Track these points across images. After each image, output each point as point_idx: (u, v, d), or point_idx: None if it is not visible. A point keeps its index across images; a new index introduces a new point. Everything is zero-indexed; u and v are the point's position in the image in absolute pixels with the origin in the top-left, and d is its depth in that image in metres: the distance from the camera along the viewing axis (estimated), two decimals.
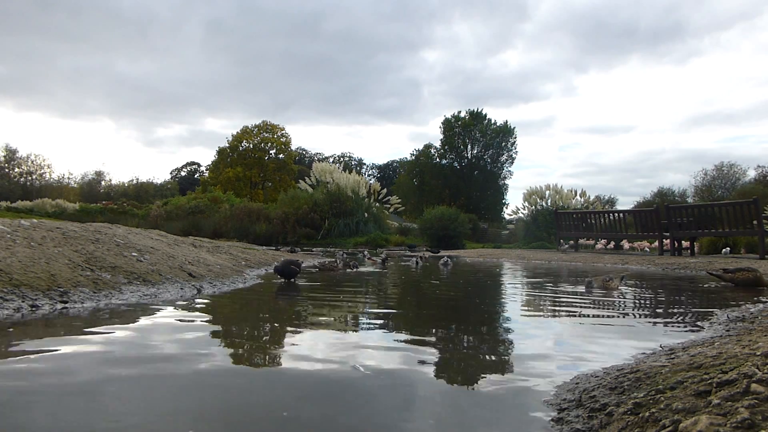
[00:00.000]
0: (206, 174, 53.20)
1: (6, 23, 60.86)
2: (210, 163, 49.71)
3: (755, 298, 4.13)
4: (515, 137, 41.81)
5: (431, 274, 6.68)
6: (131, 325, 2.58)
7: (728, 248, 11.78)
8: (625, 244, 15.05)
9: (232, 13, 77.57)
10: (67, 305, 2.88)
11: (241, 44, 77.17)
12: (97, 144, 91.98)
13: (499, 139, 41.56)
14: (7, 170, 47.36)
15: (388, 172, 65.43)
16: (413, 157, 44.80)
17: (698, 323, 2.93)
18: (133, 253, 4.20)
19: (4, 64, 65.96)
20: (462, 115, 42.11)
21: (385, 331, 2.71)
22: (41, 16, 66.18)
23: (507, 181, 43.16)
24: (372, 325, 2.91)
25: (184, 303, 3.38)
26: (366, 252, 12.34)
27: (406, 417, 1.45)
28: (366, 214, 19.20)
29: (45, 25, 66.56)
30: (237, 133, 45.78)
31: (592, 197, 20.04)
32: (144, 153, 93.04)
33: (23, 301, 2.75)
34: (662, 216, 11.64)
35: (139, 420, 1.36)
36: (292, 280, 5.01)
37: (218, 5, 78.94)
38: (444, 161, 42.64)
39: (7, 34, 62.87)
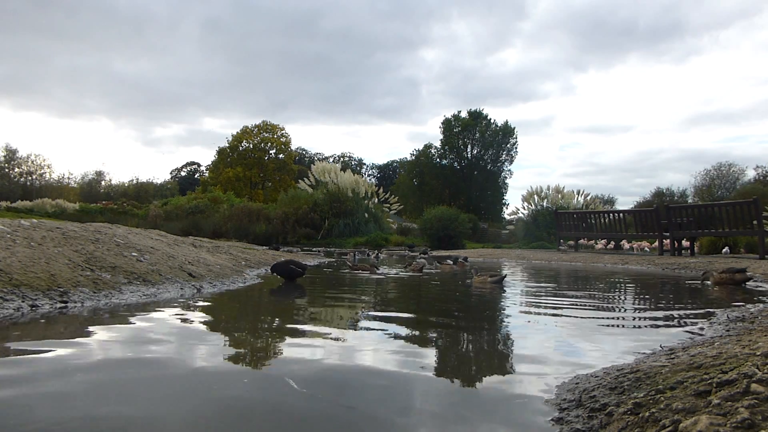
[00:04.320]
0: (206, 174, 53.18)
1: (2, 22, 60.80)
2: (210, 163, 49.74)
3: (755, 299, 4.13)
4: (516, 137, 41.84)
5: (435, 274, 6.68)
6: (131, 324, 2.58)
7: (728, 248, 11.78)
8: (625, 244, 15.05)
9: (229, 12, 77.45)
10: (67, 305, 2.88)
11: (238, 43, 77.07)
12: (96, 144, 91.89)
13: (499, 139, 41.54)
14: (7, 170, 47.34)
15: (387, 172, 65.38)
16: (413, 157, 44.80)
17: (698, 323, 2.93)
18: (133, 253, 4.20)
19: (1, 64, 65.86)
20: (462, 115, 42.12)
21: (382, 329, 2.70)
22: (38, 15, 66.08)
23: (507, 181, 43.20)
24: (369, 326, 2.90)
25: (184, 303, 3.38)
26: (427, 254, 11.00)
27: (405, 416, 1.45)
28: (366, 214, 19.20)
29: (42, 24, 66.44)
30: (237, 133, 45.79)
31: (591, 196, 20.07)
32: (143, 153, 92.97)
33: (23, 301, 2.75)
34: (662, 216, 11.63)
35: (136, 419, 1.36)
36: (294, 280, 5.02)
37: (214, 4, 78.87)
38: (444, 161, 42.62)
39: (3, 33, 62.82)
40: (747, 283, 5.22)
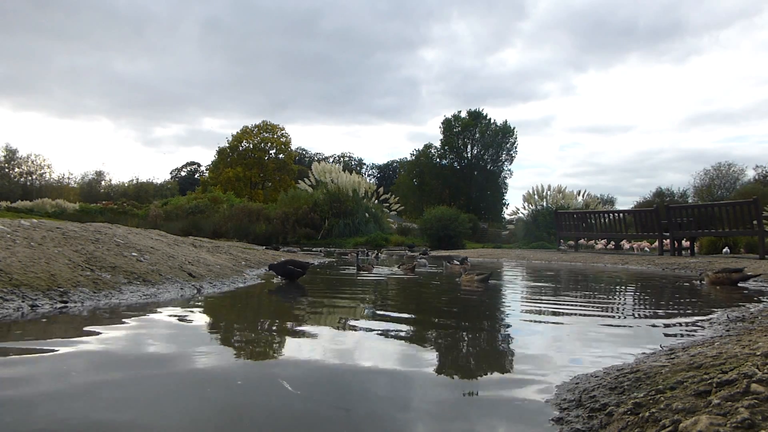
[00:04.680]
0: (206, 174, 53.16)
1: (2, 22, 60.63)
2: (210, 163, 49.71)
3: (755, 299, 4.13)
4: (515, 137, 41.87)
5: (435, 275, 6.68)
6: (130, 325, 2.58)
7: (728, 248, 11.77)
8: (625, 244, 15.05)
9: (229, 12, 77.14)
10: (67, 305, 2.88)
11: (238, 43, 76.81)
12: (96, 144, 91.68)
13: (499, 139, 41.55)
14: (7, 170, 47.33)
15: (388, 172, 65.35)
16: (413, 157, 44.81)
17: (698, 323, 2.93)
18: (133, 253, 4.20)
19: (1, 64, 65.70)
20: (462, 115, 42.12)
21: (379, 331, 2.70)
22: (37, 15, 65.84)
23: (507, 181, 43.20)
24: (366, 327, 2.89)
25: (184, 303, 3.38)
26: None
27: (404, 417, 1.45)
28: (366, 215, 19.19)
29: (42, 24, 66.22)
30: (237, 133, 45.78)
31: (591, 195, 20.08)
32: (143, 153, 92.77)
33: (23, 301, 2.75)
34: (662, 216, 11.63)
35: (133, 419, 1.36)
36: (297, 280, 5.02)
37: (214, 4, 78.59)
38: (444, 161, 42.62)
39: (3, 33, 62.68)
40: (744, 282, 5.21)
